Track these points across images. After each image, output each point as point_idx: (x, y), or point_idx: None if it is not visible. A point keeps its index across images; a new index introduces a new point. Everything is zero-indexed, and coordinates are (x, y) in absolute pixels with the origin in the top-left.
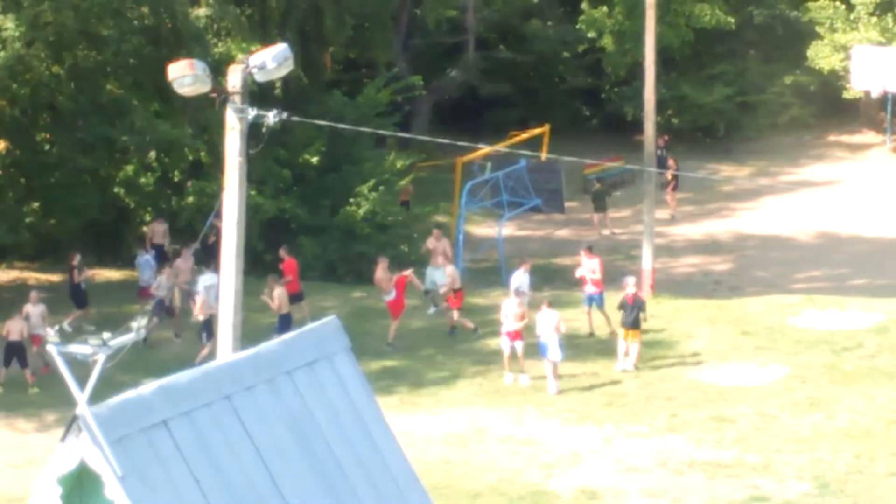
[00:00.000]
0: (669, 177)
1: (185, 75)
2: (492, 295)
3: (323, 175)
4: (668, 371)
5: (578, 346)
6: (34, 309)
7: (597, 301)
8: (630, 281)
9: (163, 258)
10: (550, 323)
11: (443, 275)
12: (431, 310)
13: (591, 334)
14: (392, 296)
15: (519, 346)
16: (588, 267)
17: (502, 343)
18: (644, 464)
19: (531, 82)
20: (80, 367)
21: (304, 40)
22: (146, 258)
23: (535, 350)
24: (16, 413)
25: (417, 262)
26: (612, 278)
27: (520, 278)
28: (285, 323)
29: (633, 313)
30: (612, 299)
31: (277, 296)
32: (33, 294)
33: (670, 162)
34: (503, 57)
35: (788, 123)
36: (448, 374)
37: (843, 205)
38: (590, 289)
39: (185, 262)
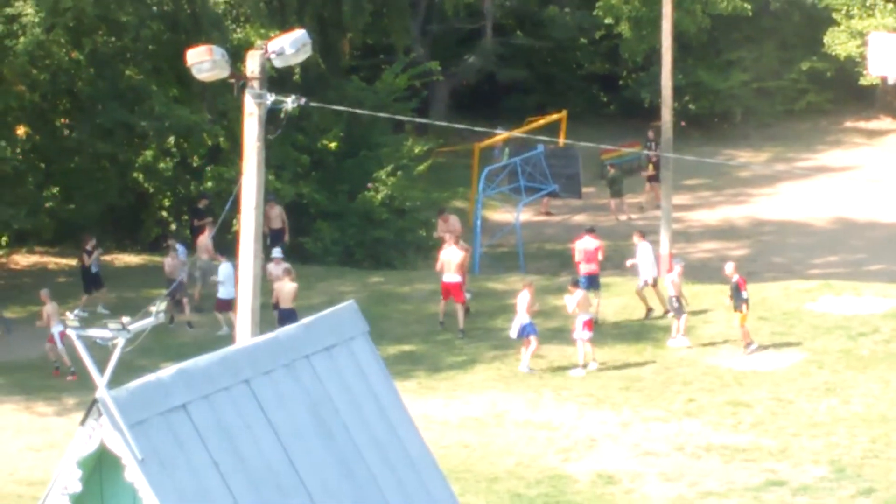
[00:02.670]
0: (651, 170)
1: (203, 61)
2: (509, 280)
3: (341, 160)
4: (685, 356)
5: (595, 330)
6: (49, 307)
7: (584, 283)
8: (730, 267)
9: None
10: (521, 304)
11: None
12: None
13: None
14: (457, 278)
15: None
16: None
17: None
18: (661, 448)
19: (549, 68)
20: (100, 351)
21: (322, 26)
22: (180, 248)
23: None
24: (36, 397)
25: (435, 246)
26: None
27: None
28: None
29: (742, 297)
30: (622, 286)
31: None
32: (44, 293)
33: (652, 156)
34: (521, 43)
35: (805, 109)
36: (465, 358)
37: (859, 190)
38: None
39: (205, 238)
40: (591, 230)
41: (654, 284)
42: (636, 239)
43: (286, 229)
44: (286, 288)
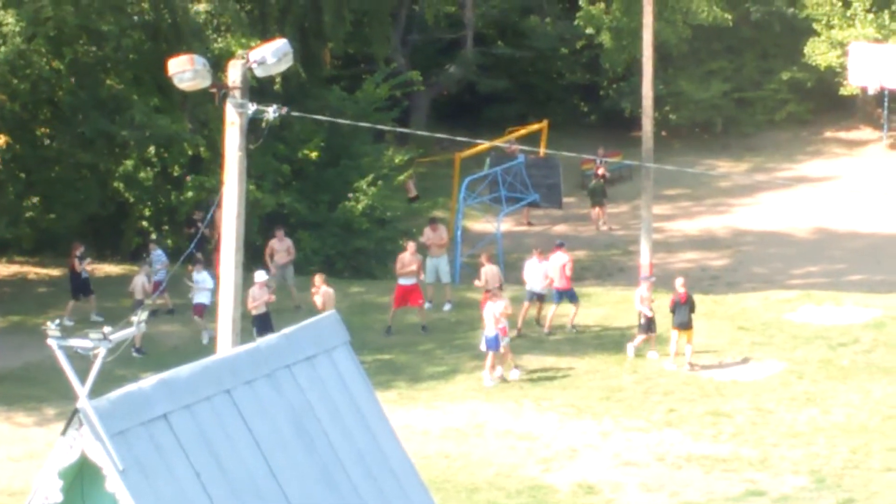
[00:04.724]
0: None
1: (184, 70)
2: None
3: (322, 170)
4: (666, 366)
5: (576, 340)
6: None
7: (554, 294)
8: (679, 282)
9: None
10: (489, 314)
11: (446, 263)
12: (427, 304)
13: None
14: (412, 281)
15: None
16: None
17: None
18: (641, 458)
19: (529, 78)
20: (81, 361)
21: (303, 36)
22: (158, 253)
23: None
24: (16, 407)
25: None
26: (608, 273)
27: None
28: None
29: (685, 313)
30: (603, 296)
31: (325, 294)
32: None
33: (603, 172)
34: (501, 53)
35: (785, 119)
36: (446, 368)
37: (840, 201)
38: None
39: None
40: (561, 244)
41: (540, 300)
42: (534, 255)
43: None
44: (331, 291)
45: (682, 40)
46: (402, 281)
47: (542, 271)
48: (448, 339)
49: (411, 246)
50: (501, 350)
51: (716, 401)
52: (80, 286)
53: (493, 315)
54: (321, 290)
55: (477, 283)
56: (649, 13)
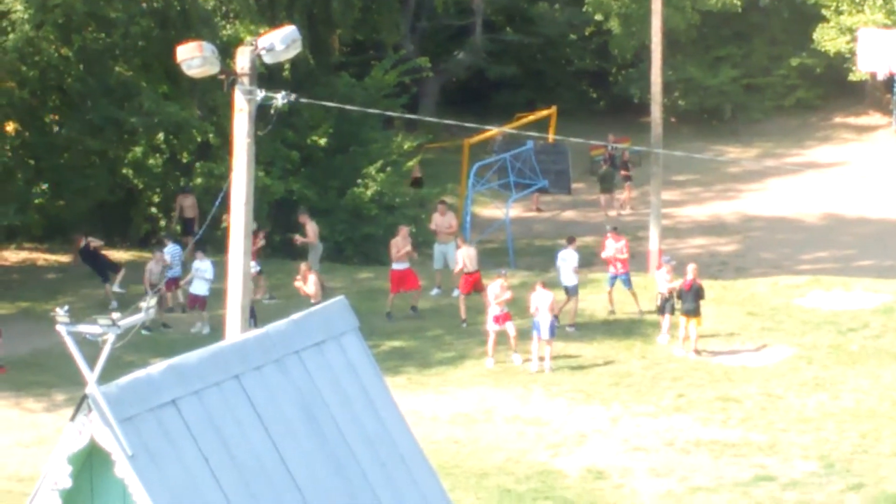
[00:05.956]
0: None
1: (193, 57)
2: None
3: (331, 156)
4: (674, 351)
5: (585, 326)
6: None
7: (623, 281)
8: (689, 268)
9: (192, 233)
10: (545, 303)
11: (454, 249)
12: (435, 291)
13: (612, 312)
14: (405, 265)
15: (510, 327)
16: (615, 248)
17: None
18: (650, 443)
19: (538, 65)
20: (90, 347)
21: (311, 22)
22: (174, 248)
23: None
24: (25, 393)
25: (425, 242)
26: None
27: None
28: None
29: (693, 300)
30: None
31: (314, 282)
32: None
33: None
34: (510, 39)
35: (794, 105)
36: (455, 354)
37: (848, 186)
38: (618, 269)
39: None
40: (614, 228)
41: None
42: (568, 246)
43: (197, 219)
44: (316, 278)
45: (691, 26)
46: (396, 265)
47: (573, 264)
48: (457, 325)
49: (403, 230)
50: (500, 335)
51: (725, 386)
52: (104, 266)
53: (546, 303)
54: (309, 278)
55: (455, 267)
56: None
